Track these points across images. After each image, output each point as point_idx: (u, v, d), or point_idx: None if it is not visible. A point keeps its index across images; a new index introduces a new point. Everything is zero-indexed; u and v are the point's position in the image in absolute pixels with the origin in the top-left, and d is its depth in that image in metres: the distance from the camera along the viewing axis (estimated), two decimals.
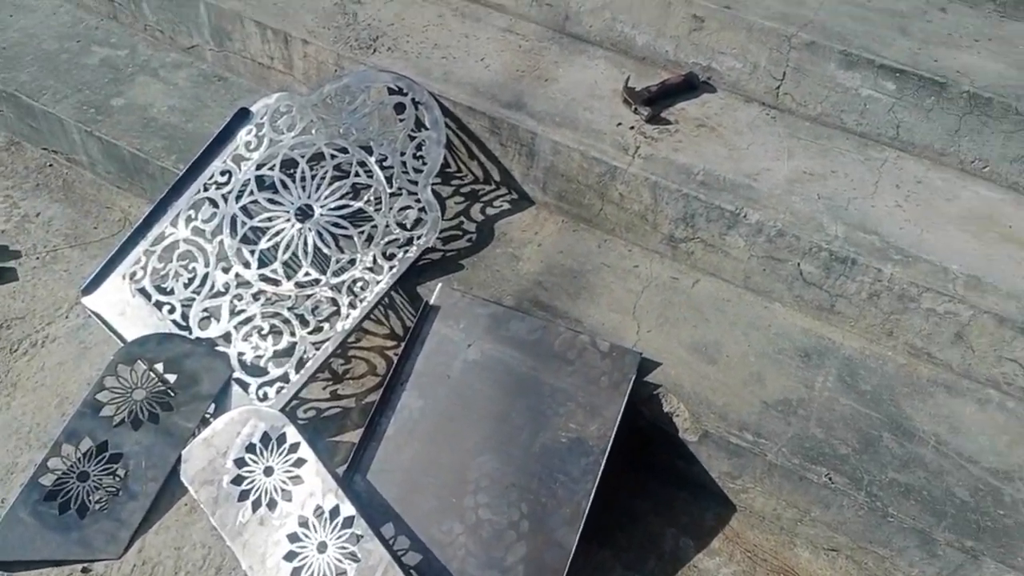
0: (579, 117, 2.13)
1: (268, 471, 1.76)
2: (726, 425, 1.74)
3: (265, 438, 1.80)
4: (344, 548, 1.64)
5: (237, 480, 1.76)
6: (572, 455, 1.75)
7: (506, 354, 1.87)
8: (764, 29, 2.14)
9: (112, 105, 2.46)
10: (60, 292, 2.18)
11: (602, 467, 1.72)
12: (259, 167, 2.12)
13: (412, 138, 2.12)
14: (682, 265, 2.07)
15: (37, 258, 2.28)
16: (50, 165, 2.59)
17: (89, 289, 2.07)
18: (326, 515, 1.68)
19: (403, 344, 1.92)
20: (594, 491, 1.69)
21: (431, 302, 1.95)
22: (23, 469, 1.81)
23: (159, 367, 1.90)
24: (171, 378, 1.89)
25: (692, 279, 2.04)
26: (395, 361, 1.91)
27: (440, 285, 1.96)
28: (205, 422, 1.85)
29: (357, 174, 2.10)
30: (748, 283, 2.01)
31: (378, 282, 1.96)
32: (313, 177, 2.09)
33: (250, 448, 1.79)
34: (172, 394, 1.87)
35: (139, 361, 1.91)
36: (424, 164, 2.09)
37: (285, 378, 1.89)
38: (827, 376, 1.84)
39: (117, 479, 1.78)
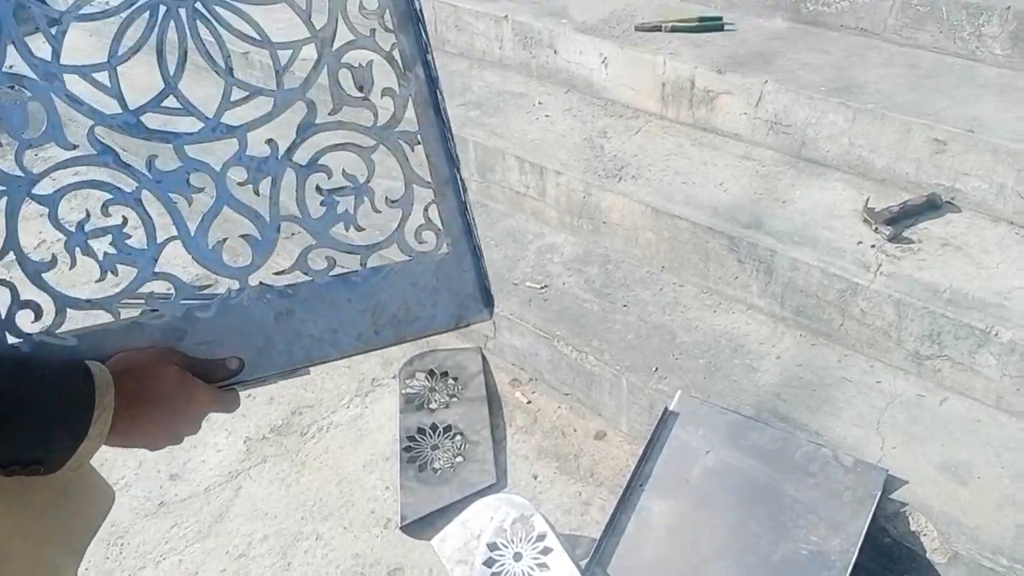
0: (818, 236, 2.21)
1: (517, 556, 1.91)
2: (978, 547, 1.68)
3: (515, 525, 1.96)
4: None
5: (489, 562, 1.92)
6: (813, 567, 1.76)
7: (745, 463, 1.93)
8: (1011, 151, 2.14)
9: None
10: (344, 385, 2.51)
11: None
12: None
13: None
14: (928, 382, 2.05)
15: None
16: None
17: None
18: None
19: (643, 447, 2.03)
20: None
21: (671, 408, 2.06)
22: (307, 538, 2.08)
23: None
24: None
25: (939, 397, 2.01)
26: (635, 463, 2.02)
27: (679, 392, 2.07)
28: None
29: None
30: (1000, 403, 1.95)
31: None
32: None
33: (501, 533, 1.96)
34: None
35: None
36: None
37: None
38: None
39: (455, 444, 2.27)
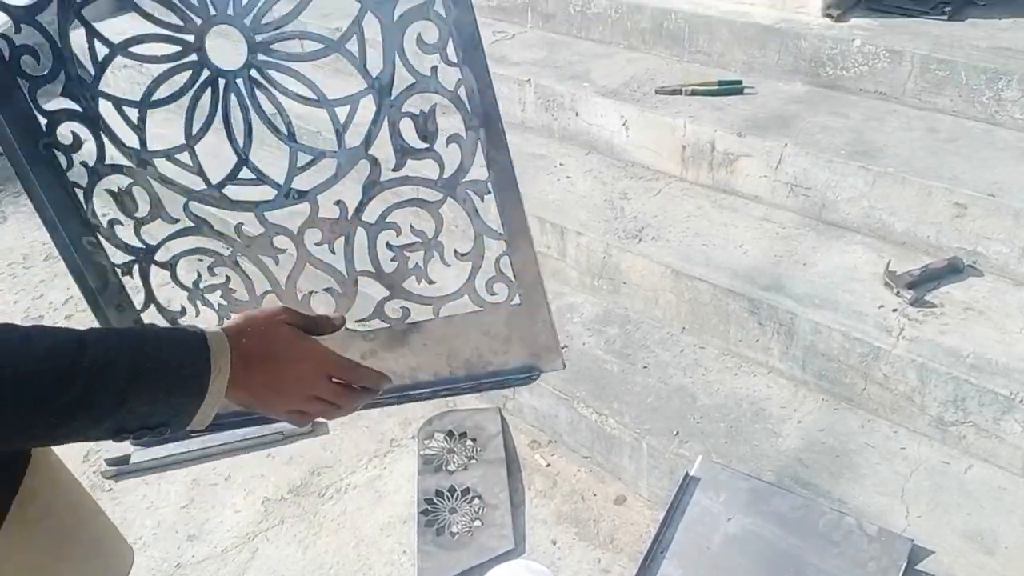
0: (839, 299, 2.20)
1: None
2: None
3: None
4: None
5: None
6: None
7: (767, 530, 1.90)
8: None
9: None
10: (363, 445, 2.50)
11: None
12: None
13: None
14: (953, 449, 2.01)
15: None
16: None
17: None
18: None
19: (664, 513, 2.00)
20: None
21: (692, 473, 2.03)
22: None
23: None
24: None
25: (964, 464, 1.98)
26: (655, 529, 1.99)
27: (700, 457, 2.05)
28: None
29: None
30: None
31: None
32: None
33: None
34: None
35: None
36: None
37: None
38: None
39: (473, 507, 2.25)
